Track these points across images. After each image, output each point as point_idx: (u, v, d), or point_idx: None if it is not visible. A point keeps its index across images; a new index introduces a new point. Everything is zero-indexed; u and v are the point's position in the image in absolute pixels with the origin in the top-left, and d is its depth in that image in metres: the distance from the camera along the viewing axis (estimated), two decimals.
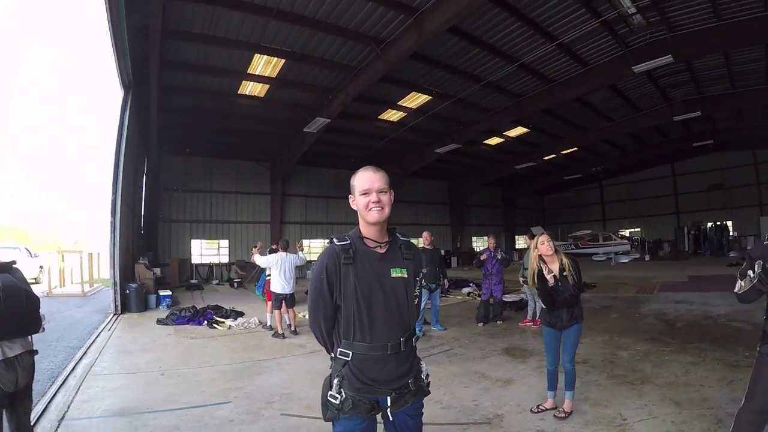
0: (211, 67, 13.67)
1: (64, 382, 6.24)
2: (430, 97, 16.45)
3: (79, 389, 5.92)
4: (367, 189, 2.19)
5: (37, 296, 3.35)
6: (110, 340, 9.10)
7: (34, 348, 3.37)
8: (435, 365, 6.57)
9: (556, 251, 4.63)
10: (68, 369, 6.94)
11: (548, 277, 4.54)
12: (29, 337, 3.30)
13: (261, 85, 14.93)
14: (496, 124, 19.20)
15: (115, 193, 12.18)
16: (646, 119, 19.57)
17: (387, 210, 2.19)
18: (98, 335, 9.55)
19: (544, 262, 4.62)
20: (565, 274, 4.51)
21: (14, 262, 3.37)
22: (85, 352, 8.03)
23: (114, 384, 6.15)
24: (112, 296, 12.39)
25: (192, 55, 13.03)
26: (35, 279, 19.90)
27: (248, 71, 13.91)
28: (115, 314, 11.96)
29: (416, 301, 2.29)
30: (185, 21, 11.33)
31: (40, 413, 5.02)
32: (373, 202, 2.16)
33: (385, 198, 2.20)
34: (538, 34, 12.40)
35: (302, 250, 10.05)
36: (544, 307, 4.70)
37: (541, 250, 4.61)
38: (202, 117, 17.44)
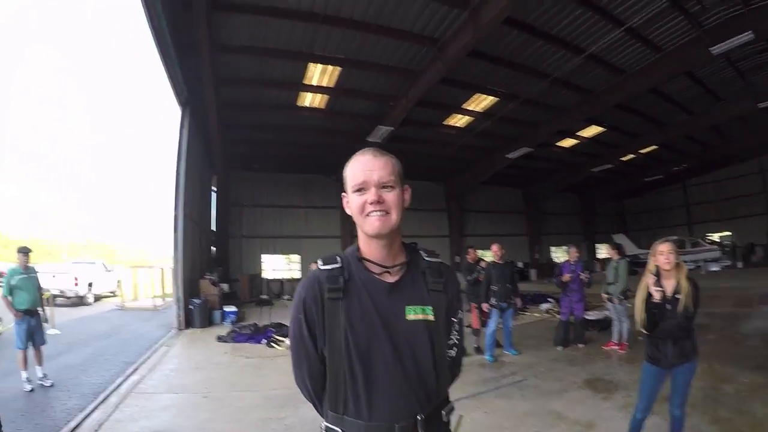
0: (266, 79, 13.69)
1: (105, 399, 6.27)
2: (495, 99, 15.56)
3: (117, 407, 5.90)
4: (363, 183, 1.49)
5: None
6: (166, 357, 9.06)
7: None
8: (504, 400, 5.71)
9: (678, 266, 3.63)
10: (114, 385, 6.97)
11: (654, 291, 3.60)
12: None
13: (320, 95, 14.80)
14: (567, 123, 17.92)
15: (176, 209, 12.32)
16: (727, 109, 17.52)
17: (395, 216, 1.49)
18: (155, 351, 9.59)
19: (658, 275, 3.67)
20: (678, 296, 3.55)
21: None
22: (136, 369, 8.06)
23: (154, 404, 6.07)
24: (176, 312, 12.47)
25: (245, 69, 13.06)
26: (113, 292, 20.87)
27: (305, 82, 13.76)
28: (178, 330, 12.05)
29: (453, 353, 1.59)
30: (234, 34, 11.36)
31: (71, 430, 5.07)
32: (372, 203, 1.47)
33: (392, 197, 1.49)
34: (603, 19, 11.24)
35: None
36: (644, 332, 3.73)
37: (658, 261, 3.65)
38: (265, 132, 17.64)
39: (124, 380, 7.22)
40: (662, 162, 26.37)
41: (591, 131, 19.73)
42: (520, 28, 11.47)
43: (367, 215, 1.48)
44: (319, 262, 1.55)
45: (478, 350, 8.42)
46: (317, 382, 1.51)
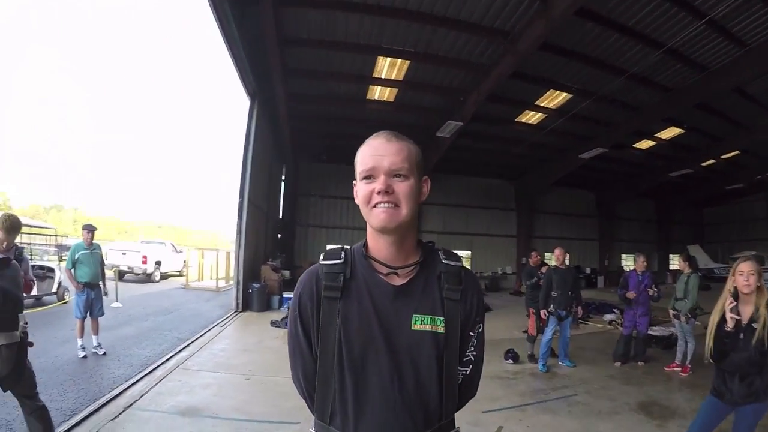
0: (335, 72, 13.76)
1: (150, 372, 6.59)
2: (569, 95, 14.86)
3: (161, 381, 6.16)
4: (371, 169, 1.30)
5: (18, 297, 3.59)
6: (218, 336, 9.32)
7: (28, 340, 3.64)
8: (549, 415, 5.39)
9: (759, 291, 3.12)
10: (163, 359, 7.33)
11: (729, 317, 3.08)
12: (16, 331, 3.51)
13: (389, 89, 14.73)
14: (645, 123, 16.87)
15: (241, 196, 12.69)
16: None
17: (406, 209, 1.29)
18: (209, 330, 9.92)
19: (736, 298, 3.15)
20: (754, 326, 3.05)
21: (9, 260, 3.61)
22: (187, 345, 8.38)
23: (197, 381, 6.27)
24: (234, 294, 12.86)
25: (314, 62, 13.17)
26: (179, 272, 22.00)
27: (373, 75, 13.74)
28: (235, 312, 12.45)
29: (467, 371, 1.38)
30: (302, 28, 11.47)
31: (112, 398, 5.34)
32: (379, 193, 1.28)
33: (404, 187, 1.29)
34: (682, 10, 10.32)
35: None
36: (711, 359, 3.24)
37: (737, 282, 3.15)
38: (334, 124, 17.89)
39: (173, 355, 7.58)
40: (745, 169, 24.33)
41: (669, 133, 18.52)
42: (594, 19, 10.80)
43: (374, 207, 1.29)
44: (322, 255, 1.40)
45: (532, 358, 8.09)
46: (311, 384, 1.36)
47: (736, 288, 3.15)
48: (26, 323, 3.63)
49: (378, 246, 1.35)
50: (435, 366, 1.29)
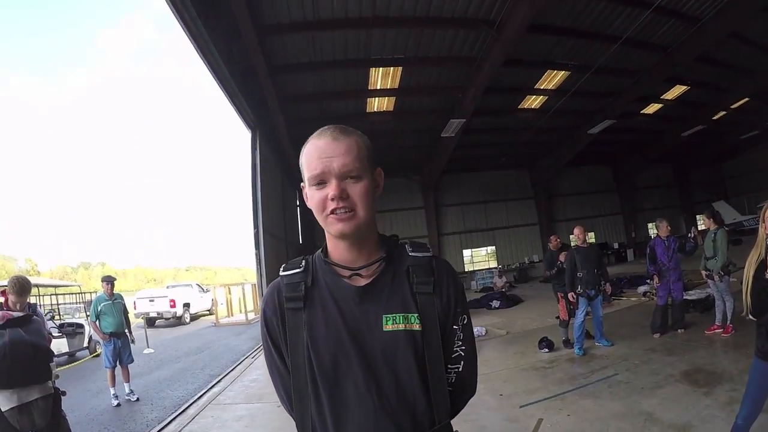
0: (330, 92, 13.89)
1: (183, 411, 6.65)
2: (567, 72, 14.72)
3: (193, 419, 6.22)
4: (321, 174, 1.19)
5: (48, 348, 3.76)
6: (249, 368, 9.32)
7: (60, 389, 3.76)
8: (590, 399, 5.23)
9: None
10: (195, 397, 7.41)
11: None
12: (50, 382, 3.63)
13: (387, 98, 14.80)
14: (648, 87, 16.52)
15: (256, 227, 12.71)
16: None
17: (363, 211, 1.20)
18: (240, 362, 9.97)
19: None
20: None
21: (30, 316, 3.76)
22: (219, 381, 8.42)
23: (229, 415, 6.32)
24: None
25: (308, 85, 13.31)
26: (209, 311, 22.19)
27: (369, 88, 13.80)
28: None
29: (460, 368, 1.29)
30: (290, 54, 11.61)
31: None
32: (333, 199, 1.17)
33: (359, 189, 1.20)
34: None
35: None
36: (750, 316, 2.99)
37: None
38: None
39: (206, 392, 7.64)
40: (757, 115, 23.54)
41: (675, 92, 18.17)
42: None
43: (330, 214, 1.19)
44: (282, 267, 1.32)
45: (567, 343, 7.89)
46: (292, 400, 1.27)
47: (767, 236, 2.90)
48: (57, 376, 3.73)
49: (338, 250, 1.27)
50: (415, 367, 1.19)
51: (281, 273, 1.30)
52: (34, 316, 3.78)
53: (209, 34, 8.84)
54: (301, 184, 1.28)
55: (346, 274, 1.25)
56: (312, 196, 1.22)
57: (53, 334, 5.29)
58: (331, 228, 1.20)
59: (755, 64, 16.60)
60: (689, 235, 7.80)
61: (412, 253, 1.29)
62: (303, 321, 1.22)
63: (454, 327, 1.28)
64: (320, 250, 1.33)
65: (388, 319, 1.20)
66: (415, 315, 1.21)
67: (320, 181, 1.20)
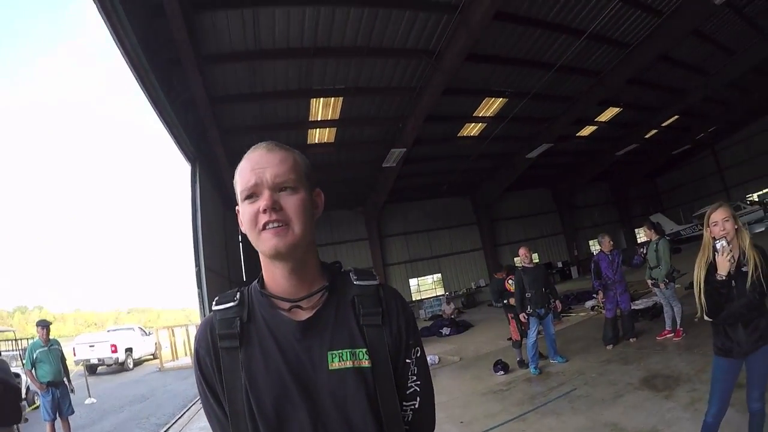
0: (271, 123, 13.68)
1: None
2: (505, 100, 15.07)
3: None
4: (254, 186, 1.09)
5: (17, 387, 3.29)
6: (198, 414, 8.86)
7: None
8: (553, 417, 5.20)
9: (738, 233, 3.00)
10: None
11: (721, 262, 2.92)
12: (15, 427, 3.12)
13: (328, 129, 14.69)
14: (583, 111, 17.21)
15: (197, 264, 12.18)
16: (742, 61, 16.52)
17: (299, 227, 1.09)
18: (188, 409, 9.53)
19: (716, 250, 2.99)
20: (744, 269, 2.93)
21: None
22: (167, 429, 8.03)
23: None
24: None
25: (248, 116, 13.11)
26: (153, 355, 21.32)
27: (310, 119, 13.71)
28: None
29: (416, 404, 1.18)
30: (230, 84, 11.41)
31: None
32: (265, 211, 1.07)
33: (294, 202, 1.10)
34: None
35: None
36: (706, 317, 3.08)
37: (714, 233, 3.02)
38: None
39: None
40: (687, 131, 25.24)
41: (608, 114, 19.02)
42: (513, 21, 11.07)
43: (262, 230, 1.08)
44: (215, 300, 1.18)
45: (522, 364, 7.91)
46: None
47: (714, 239, 3.03)
48: (26, 419, 3.45)
49: (274, 278, 1.14)
50: (367, 406, 1.07)
51: (213, 307, 1.16)
52: (1, 356, 3.53)
53: (149, 63, 8.58)
54: (237, 207, 1.16)
55: (285, 307, 1.13)
56: (244, 212, 1.11)
57: None
58: (264, 246, 1.08)
59: (683, 83, 17.73)
60: (641, 250, 8.06)
61: (357, 282, 1.19)
62: (240, 362, 1.08)
63: (407, 361, 1.18)
64: (256, 280, 1.19)
65: (333, 356, 1.09)
66: (364, 350, 1.10)
67: (251, 194, 1.10)
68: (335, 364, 1.08)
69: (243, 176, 1.11)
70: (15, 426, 3.27)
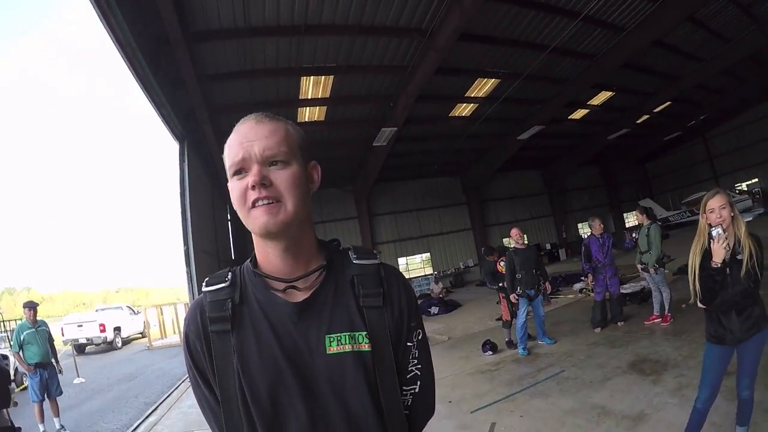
0: (261, 101, 13.42)
1: None
2: (497, 80, 14.92)
3: None
4: (242, 160, 1.03)
5: (5, 370, 3.18)
6: (186, 393, 8.82)
7: (15, 425, 3.46)
8: (541, 399, 5.22)
9: (734, 220, 2.98)
10: (131, 429, 7.00)
11: (716, 249, 2.89)
12: (5, 411, 3.05)
13: (318, 108, 14.52)
14: (575, 93, 17.11)
15: (186, 243, 12.10)
16: (736, 49, 16.40)
17: (292, 203, 1.02)
18: (176, 387, 9.49)
19: (711, 237, 2.97)
20: (739, 257, 2.93)
21: None
22: (155, 409, 7.99)
23: None
24: None
25: (239, 94, 12.87)
26: (141, 333, 21.51)
27: (300, 97, 13.54)
28: None
29: (416, 388, 1.12)
30: (220, 62, 11.18)
31: None
32: (254, 188, 1.00)
33: (285, 176, 1.03)
34: None
35: None
36: (700, 303, 3.09)
37: (710, 219, 2.98)
38: None
39: (141, 422, 7.21)
40: (679, 118, 25.30)
41: (601, 97, 18.96)
42: (507, 1, 10.94)
43: (252, 207, 1.01)
44: (205, 281, 1.11)
45: (511, 344, 7.96)
46: None
47: (710, 226, 3.01)
48: (16, 403, 3.40)
49: (267, 257, 1.08)
50: (367, 393, 1.02)
51: (203, 288, 1.10)
52: None
53: (136, 42, 8.39)
54: (228, 184, 1.08)
55: (279, 287, 1.07)
56: (232, 189, 1.04)
57: None
58: (254, 224, 1.02)
59: (677, 70, 17.71)
60: (632, 234, 8.09)
61: (357, 261, 1.13)
62: (232, 346, 1.02)
63: (408, 344, 1.12)
64: (249, 259, 1.13)
65: (332, 339, 1.03)
66: (363, 333, 1.05)
67: (240, 169, 1.03)
68: (333, 348, 1.02)
69: (231, 150, 1.05)
70: (5, 410, 3.20)
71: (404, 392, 1.11)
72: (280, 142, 1.04)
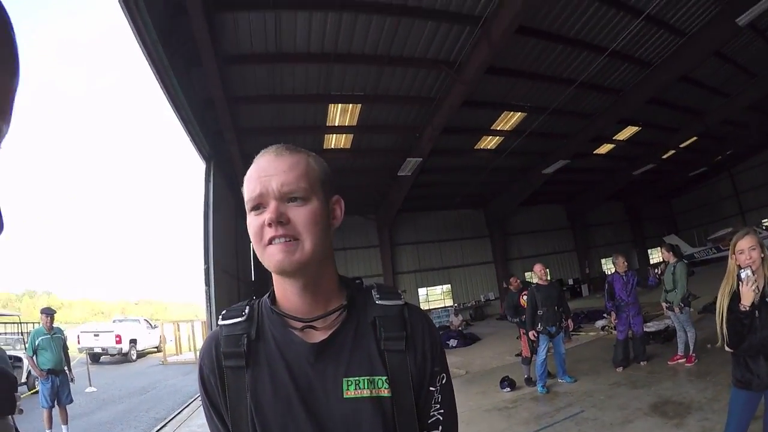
0: (288, 126, 13.69)
1: None
2: (523, 114, 15.00)
3: None
4: (259, 195, 1.00)
5: (12, 376, 3.27)
6: (197, 411, 8.80)
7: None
8: None
9: (764, 261, 2.86)
10: None
11: (745, 291, 2.77)
12: (10, 418, 3.08)
13: (344, 135, 14.69)
14: (601, 128, 17.00)
15: (206, 263, 12.21)
16: (762, 85, 16.10)
17: (310, 243, 0.98)
18: (187, 405, 9.51)
19: (740, 279, 2.84)
20: None
21: None
22: (164, 425, 7.99)
23: None
24: None
25: (266, 118, 13.12)
26: (157, 348, 21.50)
27: (327, 124, 13.69)
28: None
29: None
30: (249, 85, 11.41)
31: None
32: (270, 225, 0.97)
33: (304, 214, 0.99)
34: (620, 11, 10.57)
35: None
36: (727, 347, 2.97)
37: (739, 261, 2.87)
38: None
39: None
40: (704, 153, 24.99)
41: (627, 132, 18.82)
42: (535, 35, 10.99)
43: (268, 244, 0.98)
44: (221, 314, 1.09)
45: (529, 381, 7.80)
46: None
47: (739, 267, 2.88)
48: (21, 410, 3.37)
49: (285, 294, 1.05)
50: None
51: (220, 322, 1.08)
52: None
53: (169, 60, 8.60)
54: (247, 218, 1.06)
55: (297, 326, 1.03)
56: (250, 224, 1.01)
57: None
58: (269, 261, 0.98)
59: (703, 105, 17.53)
60: (655, 271, 7.95)
61: (380, 302, 1.08)
62: (246, 383, 1.00)
63: (431, 389, 1.07)
64: (267, 294, 1.11)
65: (349, 383, 0.99)
66: (384, 378, 1.00)
67: (257, 205, 1.00)
68: (350, 393, 0.98)
69: (249, 185, 1.02)
70: (10, 416, 3.19)
71: None
72: (300, 178, 1.01)
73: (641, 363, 7.89)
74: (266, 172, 1.00)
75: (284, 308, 1.06)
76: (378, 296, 1.09)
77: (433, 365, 1.07)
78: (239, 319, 1.06)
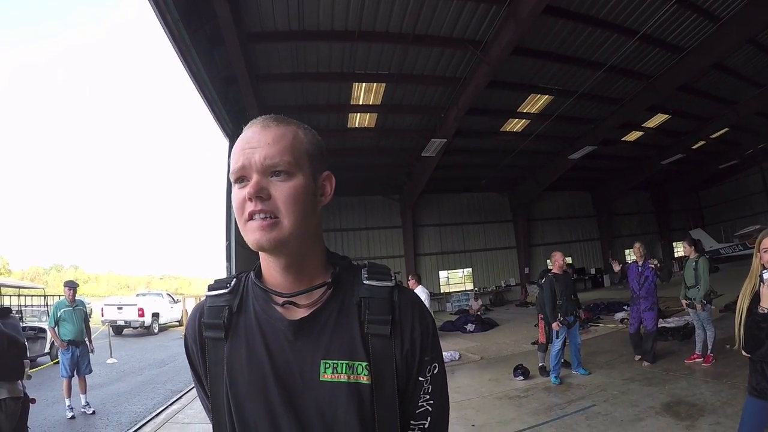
0: (312, 105, 13.67)
1: (138, 429, 6.35)
2: (550, 97, 14.69)
3: None
4: (242, 166, 0.94)
5: (24, 344, 3.44)
6: None
7: (29, 396, 3.43)
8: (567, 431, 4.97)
9: None
10: (152, 414, 7.08)
11: (766, 293, 2.60)
12: (20, 382, 3.30)
13: (369, 114, 14.63)
14: (630, 114, 16.54)
15: (228, 239, 12.35)
16: None
17: (290, 221, 0.92)
18: None
19: (762, 280, 2.67)
20: None
21: (10, 310, 3.64)
22: (179, 397, 8.06)
23: None
24: None
25: (290, 96, 13.10)
26: (179, 322, 21.84)
27: (351, 103, 13.63)
28: None
29: (426, 424, 1.00)
30: (273, 63, 11.41)
31: None
32: (249, 199, 0.91)
33: (285, 190, 0.93)
34: None
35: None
36: (743, 351, 2.79)
37: (764, 260, 2.70)
38: None
39: (164, 409, 7.31)
40: (735, 145, 24.24)
41: (656, 120, 18.33)
42: (564, 16, 10.66)
43: (248, 220, 0.92)
44: (208, 285, 1.07)
45: (543, 371, 7.66)
46: None
47: (763, 266, 2.70)
48: (30, 376, 3.49)
49: (269, 270, 1.00)
50: (358, 429, 0.92)
51: (206, 293, 1.05)
52: (13, 313, 3.57)
53: (191, 39, 8.59)
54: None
55: (279, 301, 0.99)
56: (233, 197, 0.96)
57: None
58: (247, 237, 0.93)
59: (736, 95, 16.93)
60: (655, 263, 7.66)
61: (368, 282, 1.01)
62: (224, 355, 0.97)
63: (420, 379, 1.00)
64: (254, 268, 1.06)
65: (327, 366, 0.93)
66: (364, 364, 0.94)
67: (240, 177, 0.95)
68: (327, 376, 0.93)
69: (234, 156, 0.96)
70: (19, 381, 3.33)
71: (412, 426, 1.00)
72: (284, 151, 0.94)
73: (643, 364, 7.58)
74: (250, 144, 0.94)
75: (268, 283, 1.01)
76: (366, 276, 1.02)
77: (422, 354, 1.00)
78: (223, 291, 1.03)
